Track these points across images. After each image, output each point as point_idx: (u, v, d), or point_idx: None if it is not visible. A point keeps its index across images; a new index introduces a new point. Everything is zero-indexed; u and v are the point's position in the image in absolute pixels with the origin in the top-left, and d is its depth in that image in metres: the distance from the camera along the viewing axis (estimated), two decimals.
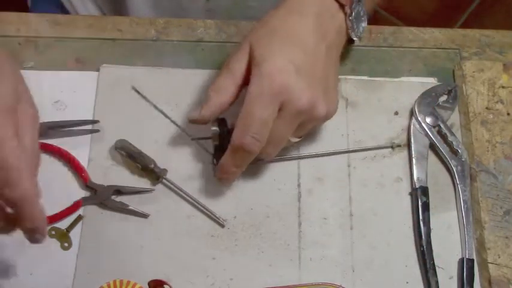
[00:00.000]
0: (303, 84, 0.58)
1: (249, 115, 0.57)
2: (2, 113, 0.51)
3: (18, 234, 0.63)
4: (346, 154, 0.69)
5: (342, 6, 0.64)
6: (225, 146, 0.61)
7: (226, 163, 0.61)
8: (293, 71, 0.57)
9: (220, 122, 0.63)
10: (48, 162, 0.66)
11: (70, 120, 0.67)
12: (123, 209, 0.64)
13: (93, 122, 0.68)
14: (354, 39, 0.67)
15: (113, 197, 0.65)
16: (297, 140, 0.63)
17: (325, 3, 0.63)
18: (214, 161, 0.65)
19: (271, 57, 0.58)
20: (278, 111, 0.58)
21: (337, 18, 0.64)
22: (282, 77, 0.57)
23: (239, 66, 0.60)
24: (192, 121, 0.62)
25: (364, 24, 0.67)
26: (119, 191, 0.65)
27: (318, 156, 0.68)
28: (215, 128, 0.62)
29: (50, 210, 0.63)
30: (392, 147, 0.69)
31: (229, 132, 0.61)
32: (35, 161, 0.54)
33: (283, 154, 0.68)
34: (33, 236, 0.53)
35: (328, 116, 0.62)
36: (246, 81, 0.60)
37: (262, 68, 0.57)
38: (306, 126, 0.62)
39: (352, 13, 0.64)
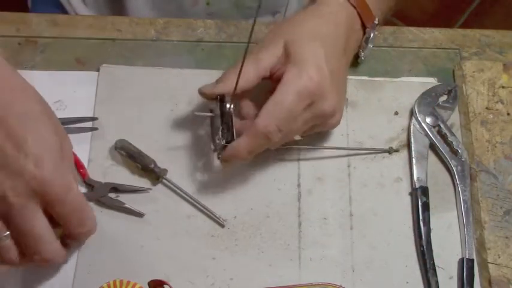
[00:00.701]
0: (333, 90, 0.60)
1: (280, 104, 0.58)
2: (64, 160, 0.54)
3: None
4: (346, 154, 0.69)
5: (364, 26, 0.67)
6: (228, 124, 0.60)
7: (241, 146, 0.59)
8: (328, 76, 0.59)
9: (222, 99, 0.61)
10: None
11: (69, 117, 0.67)
12: (119, 207, 0.64)
13: (93, 119, 0.68)
14: (362, 58, 0.71)
15: (111, 195, 0.65)
16: (299, 138, 0.63)
17: (352, 18, 0.66)
18: (219, 138, 0.61)
19: (311, 58, 0.59)
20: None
21: (357, 35, 0.67)
22: (320, 79, 0.59)
23: (268, 59, 0.61)
24: (202, 93, 0.62)
25: (371, 45, 0.70)
26: (116, 188, 0.65)
27: (313, 149, 0.68)
28: (228, 106, 0.60)
29: None
30: (389, 151, 0.69)
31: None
32: None
33: (284, 151, 0.68)
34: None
35: (335, 126, 0.65)
36: (270, 76, 0.61)
37: (302, 65, 0.59)
38: (316, 129, 0.64)
39: (370, 36, 0.68)
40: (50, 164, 0.52)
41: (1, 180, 0.51)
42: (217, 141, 0.61)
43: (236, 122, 0.62)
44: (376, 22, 0.68)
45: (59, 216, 0.54)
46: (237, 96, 0.61)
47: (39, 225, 0.53)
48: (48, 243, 0.54)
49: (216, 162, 0.67)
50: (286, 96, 0.58)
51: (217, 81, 0.62)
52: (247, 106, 0.64)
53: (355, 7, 0.65)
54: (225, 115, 0.61)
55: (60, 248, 0.56)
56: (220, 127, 0.61)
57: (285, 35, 0.62)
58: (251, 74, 0.60)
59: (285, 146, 0.66)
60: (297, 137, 0.63)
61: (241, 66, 0.57)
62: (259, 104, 0.60)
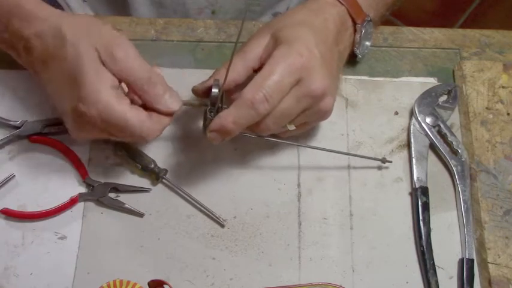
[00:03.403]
0: (323, 72, 0.60)
1: (268, 75, 0.58)
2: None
3: (15, 235, 0.63)
4: (346, 154, 0.69)
5: (354, 23, 0.67)
6: (215, 105, 0.60)
7: (227, 116, 0.58)
8: (319, 56, 0.60)
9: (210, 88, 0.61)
10: (47, 156, 0.67)
11: None
12: (119, 207, 0.64)
13: None
14: (358, 56, 0.71)
15: (111, 195, 0.65)
16: (293, 127, 0.63)
17: (343, 16, 0.66)
18: (208, 118, 0.60)
19: (301, 40, 0.60)
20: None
21: (349, 32, 0.67)
22: (309, 56, 0.59)
23: (254, 50, 0.61)
24: (194, 91, 0.63)
25: (368, 42, 0.71)
26: (116, 188, 0.65)
27: (308, 147, 0.68)
28: (215, 90, 0.60)
29: (47, 205, 0.64)
30: (382, 161, 0.68)
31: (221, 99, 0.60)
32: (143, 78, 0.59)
33: (284, 151, 0.68)
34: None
35: (327, 114, 0.63)
36: (260, 68, 0.61)
37: (292, 44, 0.59)
38: (307, 115, 0.62)
39: (362, 31, 0.68)
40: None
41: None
42: (206, 121, 0.60)
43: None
44: (368, 19, 0.68)
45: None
46: (229, 92, 0.62)
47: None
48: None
49: (216, 162, 0.67)
50: (274, 68, 0.58)
51: (209, 78, 0.62)
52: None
53: (343, 4, 0.65)
54: (211, 98, 0.60)
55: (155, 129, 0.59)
56: (209, 107, 0.60)
57: (273, 26, 0.62)
58: (239, 65, 0.61)
59: (282, 141, 0.65)
60: (291, 127, 0.62)
61: (230, 61, 0.58)
62: None
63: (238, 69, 0.61)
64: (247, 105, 0.57)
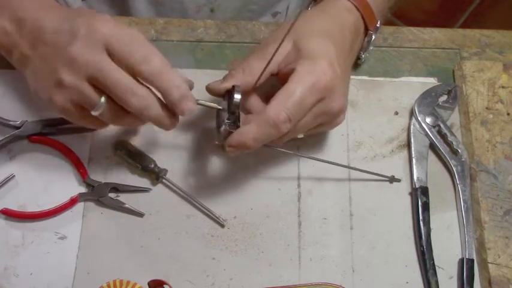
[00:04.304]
0: (342, 90, 0.61)
1: (292, 94, 0.57)
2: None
3: (15, 235, 0.63)
4: (346, 154, 0.69)
5: (366, 29, 0.67)
6: (235, 114, 0.59)
7: (248, 132, 0.57)
8: (339, 75, 0.60)
9: (230, 90, 0.60)
10: (47, 156, 0.67)
11: None
12: (119, 207, 0.64)
13: None
14: (362, 59, 0.72)
15: (111, 195, 0.65)
16: (301, 136, 0.63)
17: (358, 23, 0.66)
18: (225, 124, 0.59)
19: (324, 53, 0.59)
20: None
21: (360, 39, 0.68)
22: (332, 75, 0.58)
23: (277, 54, 0.60)
24: (209, 90, 0.62)
25: (371, 47, 0.71)
26: (116, 188, 0.65)
27: (310, 158, 0.68)
28: (238, 97, 0.58)
29: (47, 205, 0.64)
30: (390, 181, 0.68)
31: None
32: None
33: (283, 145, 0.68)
34: (186, 105, 0.57)
35: (337, 126, 0.64)
36: (278, 73, 0.61)
37: (315, 59, 0.58)
38: (320, 128, 0.63)
39: (372, 37, 0.68)
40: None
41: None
42: (223, 130, 0.59)
43: (242, 117, 0.60)
44: (378, 25, 0.68)
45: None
46: (245, 93, 0.61)
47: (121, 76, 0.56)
48: (136, 90, 0.56)
49: (216, 162, 0.67)
50: (299, 86, 0.57)
51: (225, 77, 0.61)
52: (255, 101, 0.63)
53: (359, 11, 0.66)
54: (232, 105, 0.59)
55: (151, 95, 0.57)
56: (227, 115, 0.59)
57: (293, 32, 0.60)
58: (258, 69, 0.60)
59: (286, 151, 0.65)
60: (300, 135, 0.63)
61: (265, 67, 0.57)
62: (267, 100, 0.60)
63: (258, 73, 0.60)
64: (270, 124, 0.57)
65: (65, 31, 0.57)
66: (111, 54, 0.56)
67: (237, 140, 0.58)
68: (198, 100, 0.59)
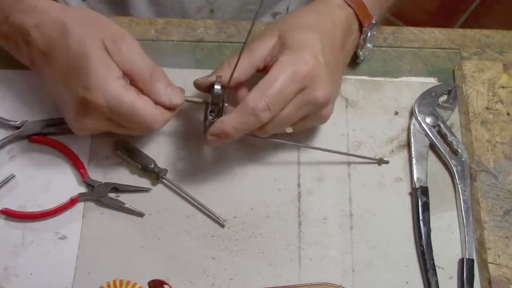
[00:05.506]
0: (327, 80, 0.60)
1: (272, 83, 0.58)
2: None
3: (15, 235, 0.63)
4: (346, 154, 0.69)
5: (361, 26, 0.67)
6: (218, 105, 0.60)
7: (228, 122, 0.58)
8: (324, 65, 0.60)
9: (213, 84, 0.61)
10: (47, 156, 0.67)
11: None
12: (119, 207, 0.64)
13: None
14: (361, 58, 0.72)
15: (111, 195, 0.65)
16: (291, 130, 0.63)
17: (350, 19, 0.66)
18: (209, 119, 0.60)
19: (308, 46, 0.59)
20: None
21: (355, 35, 0.68)
22: (314, 65, 0.59)
23: (261, 50, 0.61)
24: (197, 85, 0.63)
25: (370, 44, 0.71)
26: (116, 188, 0.65)
27: (307, 147, 0.68)
28: (218, 87, 0.60)
29: (47, 205, 0.64)
30: (379, 163, 0.68)
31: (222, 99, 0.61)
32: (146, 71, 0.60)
33: (284, 151, 0.68)
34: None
35: (326, 120, 0.64)
36: (265, 68, 0.61)
37: (298, 50, 0.59)
38: (307, 121, 0.63)
39: (368, 34, 0.68)
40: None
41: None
42: (207, 122, 0.60)
43: (229, 110, 0.60)
44: (374, 22, 0.68)
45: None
46: (233, 89, 0.62)
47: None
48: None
49: (216, 162, 0.67)
50: (278, 74, 0.58)
51: (212, 73, 0.62)
52: (244, 96, 0.62)
53: (352, 7, 0.65)
54: (214, 96, 0.60)
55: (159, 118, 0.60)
56: (210, 107, 0.60)
57: (280, 27, 0.62)
58: (244, 64, 0.60)
59: (279, 141, 0.65)
60: (289, 130, 0.63)
61: (238, 59, 0.58)
62: None
63: (243, 68, 0.60)
64: (249, 112, 0.57)
65: (76, 66, 0.58)
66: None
67: (218, 128, 0.59)
68: (186, 98, 0.61)
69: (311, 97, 0.59)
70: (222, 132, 0.58)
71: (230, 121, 0.58)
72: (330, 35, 0.63)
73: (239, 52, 0.58)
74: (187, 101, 0.62)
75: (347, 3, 0.65)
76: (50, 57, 0.59)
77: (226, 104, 0.61)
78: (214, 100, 0.60)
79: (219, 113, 0.60)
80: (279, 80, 0.57)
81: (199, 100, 0.62)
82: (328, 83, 0.60)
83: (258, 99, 0.57)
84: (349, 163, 0.68)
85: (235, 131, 0.58)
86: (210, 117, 0.60)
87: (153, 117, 0.59)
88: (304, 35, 0.61)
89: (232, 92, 0.62)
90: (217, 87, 0.60)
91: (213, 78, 0.60)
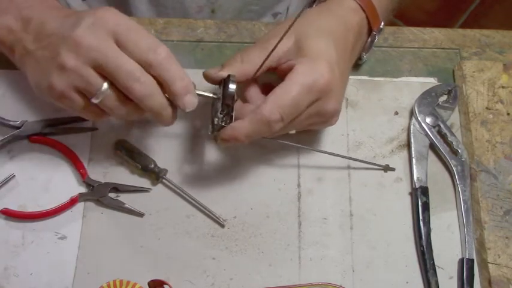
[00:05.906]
0: (339, 92, 0.61)
1: (287, 94, 0.57)
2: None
3: (15, 235, 0.63)
4: (346, 154, 0.69)
5: (370, 30, 0.67)
6: (228, 106, 0.59)
7: (240, 129, 0.58)
8: (338, 76, 0.60)
9: (226, 80, 0.60)
10: (47, 156, 0.67)
11: (69, 117, 0.67)
12: (119, 207, 0.64)
13: None
14: (364, 60, 0.72)
15: (111, 195, 0.65)
16: (294, 132, 0.64)
17: (362, 24, 0.66)
18: (218, 118, 0.59)
19: (325, 55, 0.59)
20: None
21: (363, 40, 0.68)
22: (330, 78, 0.58)
23: (279, 49, 0.59)
24: (206, 76, 0.61)
25: (373, 47, 0.71)
26: (116, 188, 0.65)
27: (310, 150, 0.68)
28: (233, 87, 0.58)
29: (47, 205, 0.64)
30: (385, 170, 0.68)
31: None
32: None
33: (284, 151, 0.68)
34: (189, 98, 0.57)
35: (332, 125, 0.64)
36: (277, 67, 0.61)
37: (315, 60, 0.58)
38: (312, 126, 0.63)
39: (376, 38, 0.68)
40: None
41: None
42: (216, 122, 0.59)
43: (239, 106, 0.60)
44: (382, 26, 0.68)
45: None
46: (243, 83, 0.61)
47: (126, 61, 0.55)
48: (141, 76, 0.55)
49: (217, 162, 0.67)
50: (295, 86, 0.57)
51: (223, 65, 0.61)
52: (254, 91, 0.63)
53: (365, 11, 0.65)
54: (226, 96, 0.58)
55: (155, 83, 0.56)
56: (220, 108, 0.59)
57: (297, 29, 0.61)
58: (258, 61, 0.60)
59: (281, 141, 0.65)
60: (292, 131, 0.63)
61: (265, 60, 0.57)
62: (264, 90, 0.60)
63: (257, 63, 0.60)
64: (263, 122, 0.57)
65: (70, 21, 0.56)
66: (118, 42, 0.55)
67: (230, 135, 0.58)
68: (197, 92, 0.59)
69: (322, 108, 0.60)
70: (233, 138, 0.58)
71: (243, 129, 0.58)
72: (344, 41, 0.63)
73: (253, 47, 0.59)
74: (199, 95, 0.60)
75: (361, 6, 0.65)
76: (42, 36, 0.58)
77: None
78: (226, 100, 0.59)
79: (230, 113, 0.59)
80: (295, 91, 0.57)
81: (211, 95, 0.61)
82: (339, 94, 0.61)
83: (273, 110, 0.57)
84: (349, 163, 0.68)
85: (247, 138, 0.58)
86: (220, 116, 0.59)
87: (147, 80, 0.56)
88: (321, 42, 0.60)
89: (242, 85, 0.61)
90: (232, 86, 0.58)
91: (224, 74, 0.59)
